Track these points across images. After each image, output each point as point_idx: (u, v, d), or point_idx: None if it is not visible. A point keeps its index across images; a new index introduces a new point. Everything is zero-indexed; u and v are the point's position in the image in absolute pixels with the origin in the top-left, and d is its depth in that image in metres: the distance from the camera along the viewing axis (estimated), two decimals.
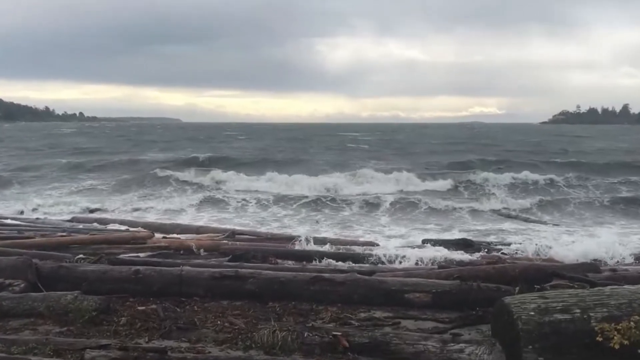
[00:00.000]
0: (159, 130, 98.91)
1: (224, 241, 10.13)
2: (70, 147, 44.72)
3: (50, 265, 6.77)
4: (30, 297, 5.76)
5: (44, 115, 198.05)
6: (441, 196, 19.81)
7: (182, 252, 9.33)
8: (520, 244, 10.34)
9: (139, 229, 11.66)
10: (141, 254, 8.94)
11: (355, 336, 4.77)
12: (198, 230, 12.01)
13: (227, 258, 8.47)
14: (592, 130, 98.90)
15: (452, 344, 4.59)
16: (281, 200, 18.43)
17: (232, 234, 11.13)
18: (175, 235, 11.24)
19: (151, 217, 15.42)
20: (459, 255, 9.01)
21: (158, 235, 10.73)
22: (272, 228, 14.08)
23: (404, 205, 17.46)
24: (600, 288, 5.07)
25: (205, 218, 15.73)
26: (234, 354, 4.70)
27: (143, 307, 5.88)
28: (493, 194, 20.61)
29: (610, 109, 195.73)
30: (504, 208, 17.56)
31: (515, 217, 16.23)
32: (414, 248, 9.94)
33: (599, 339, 4.20)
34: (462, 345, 4.58)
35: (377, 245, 10.69)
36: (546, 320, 4.30)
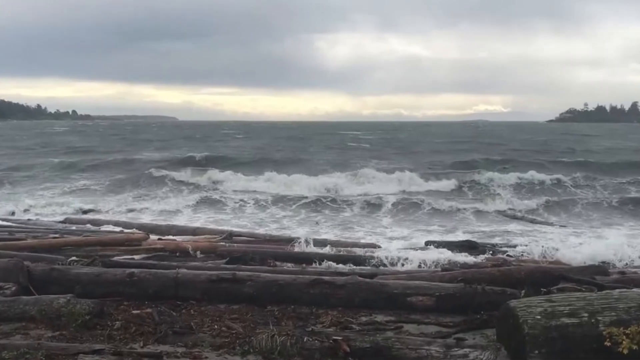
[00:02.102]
0: (154, 128, 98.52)
1: (221, 243, 10.11)
2: (63, 146, 44.48)
3: (42, 267, 6.73)
4: (22, 301, 5.70)
5: (36, 113, 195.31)
6: (445, 197, 19.73)
7: (178, 254, 9.31)
8: (526, 245, 10.34)
9: (134, 230, 11.67)
10: (136, 256, 8.91)
11: (356, 341, 4.72)
12: (194, 231, 11.97)
13: (224, 260, 8.48)
14: (600, 128, 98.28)
15: (456, 349, 4.56)
16: (280, 200, 18.33)
17: (230, 236, 11.08)
18: (171, 237, 11.18)
19: (146, 218, 15.35)
20: (463, 258, 8.98)
21: (153, 237, 10.69)
22: (271, 229, 13.99)
23: (407, 206, 17.36)
24: (608, 291, 5.06)
25: (202, 219, 15.65)
26: (231, 359, 4.64)
27: (138, 311, 5.85)
28: (498, 194, 20.47)
29: (618, 106, 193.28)
30: (510, 209, 17.45)
31: (521, 218, 16.14)
32: (417, 250, 9.90)
33: (607, 343, 4.15)
34: (467, 350, 4.55)
35: (379, 247, 10.63)
36: (553, 324, 4.25)
